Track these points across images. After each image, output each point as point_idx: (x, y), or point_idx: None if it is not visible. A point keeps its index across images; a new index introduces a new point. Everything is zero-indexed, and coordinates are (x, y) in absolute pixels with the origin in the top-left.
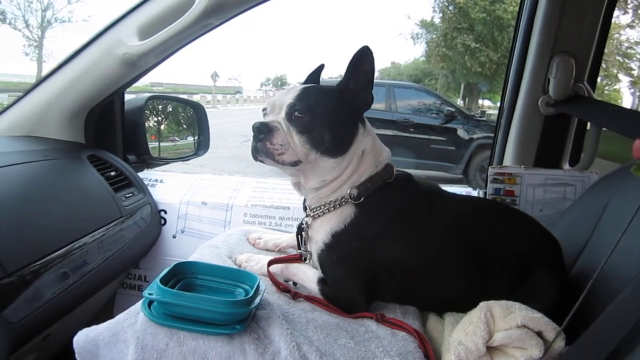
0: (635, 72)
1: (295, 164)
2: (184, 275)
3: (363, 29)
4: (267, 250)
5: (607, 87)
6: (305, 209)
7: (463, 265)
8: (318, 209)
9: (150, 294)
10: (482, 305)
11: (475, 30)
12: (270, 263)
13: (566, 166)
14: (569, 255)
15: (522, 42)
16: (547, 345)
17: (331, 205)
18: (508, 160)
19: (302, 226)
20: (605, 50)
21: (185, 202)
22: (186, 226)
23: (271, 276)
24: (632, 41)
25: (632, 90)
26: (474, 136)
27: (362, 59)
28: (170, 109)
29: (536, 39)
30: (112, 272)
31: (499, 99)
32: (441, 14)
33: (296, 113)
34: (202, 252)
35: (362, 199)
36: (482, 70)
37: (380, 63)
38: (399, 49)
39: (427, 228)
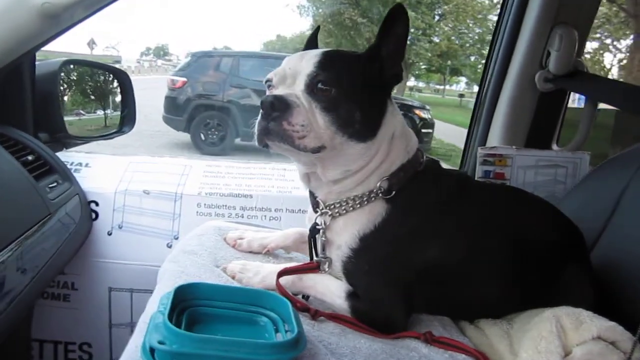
0: None
1: (317, 150)
2: (185, 303)
3: None
4: (251, 252)
5: (480, 66)
6: (316, 205)
7: (501, 263)
8: (338, 205)
9: (160, 343)
10: (549, 315)
11: (361, 6)
12: (281, 274)
13: (555, 146)
14: None
15: (516, 12)
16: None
17: (356, 202)
18: (495, 140)
19: (318, 227)
20: (478, 30)
21: (122, 192)
22: (124, 220)
23: (283, 291)
24: None
25: None
26: None
27: (394, 20)
28: (88, 77)
29: (536, 9)
30: (36, 294)
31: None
32: None
33: (320, 85)
34: (179, 262)
35: (394, 192)
36: (368, 45)
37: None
38: (285, 21)
39: (464, 222)
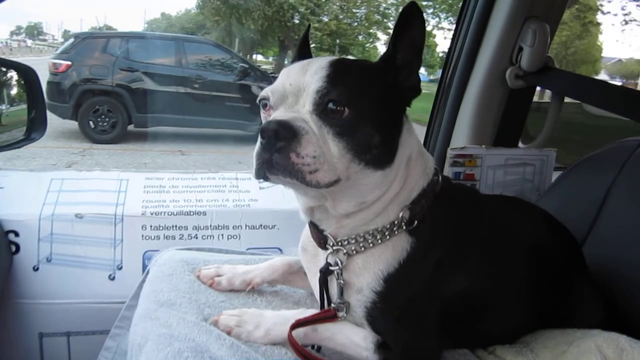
0: (390, 31)
1: (332, 184)
2: None
3: None
4: (233, 290)
5: (367, 45)
6: (323, 241)
7: (522, 285)
8: (354, 242)
9: None
10: (591, 346)
11: None
12: (294, 326)
13: (521, 144)
14: None
15: (484, 3)
16: None
17: (376, 237)
18: (461, 139)
19: (331, 268)
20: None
21: (48, 217)
22: (54, 252)
23: (298, 347)
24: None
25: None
26: None
27: (408, 22)
28: None
29: (508, 2)
30: None
31: (273, 54)
32: None
33: (331, 104)
34: (159, 320)
35: (416, 222)
36: (255, 26)
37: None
38: None
39: (485, 247)
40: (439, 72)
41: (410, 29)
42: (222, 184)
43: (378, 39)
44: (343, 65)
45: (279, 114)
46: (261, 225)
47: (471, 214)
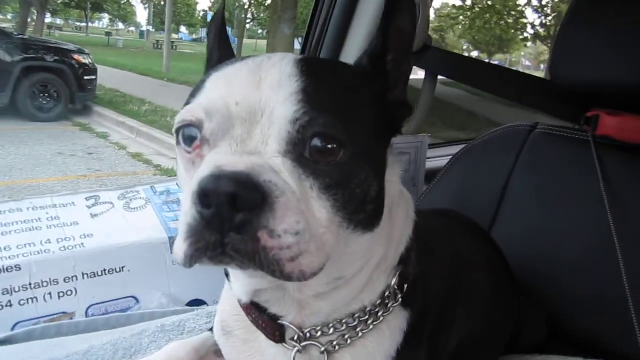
0: None
1: (319, 271)
2: None
3: None
4: None
5: None
6: (278, 331)
7: (497, 312)
8: (332, 332)
9: None
10: None
11: None
12: None
13: None
14: None
15: None
16: None
17: (366, 322)
18: None
19: None
20: None
21: None
22: None
23: None
24: None
25: None
26: (17, 58)
27: (394, 10)
28: None
29: None
30: None
31: (13, 10)
32: None
33: (317, 142)
34: None
35: (406, 286)
36: None
37: None
38: None
39: (470, 288)
40: (201, 30)
41: (395, 20)
42: (34, 217)
43: None
44: (320, 69)
45: (225, 159)
46: (104, 270)
47: (448, 253)
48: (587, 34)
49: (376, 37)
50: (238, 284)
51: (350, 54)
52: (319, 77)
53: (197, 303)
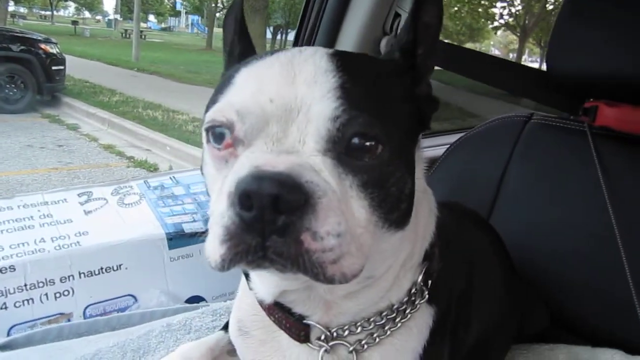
0: None
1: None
2: None
3: None
4: None
5: None
6: (303, 331)
7: (509, 304)
8: (360, 330)
9: None
10: None
11: None
12: None
13: None
14: None
15: None
16: None
17: (395, 319)
18: None
19: None
20: None
21: None
22: None
23: None
24: None
25: None
26: None
27: (422, 4)
28: None
29: None
30: None
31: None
32: None
33: (356, 140)
34: None
35: (430, 282)
36: None
37: None
38: None
39: (483, 284)
40: (170, 19)
41: (421, 15)
42: (26, 215)
43: None
44: (355, 64)
45: (263, 159)
46: (101, 268)
47: (467, 249)
48: (585, 25)
49: (406, 31)
50: (262, 285)
51: (345, 46)
52: (355, 72)
53: (196, 300)
